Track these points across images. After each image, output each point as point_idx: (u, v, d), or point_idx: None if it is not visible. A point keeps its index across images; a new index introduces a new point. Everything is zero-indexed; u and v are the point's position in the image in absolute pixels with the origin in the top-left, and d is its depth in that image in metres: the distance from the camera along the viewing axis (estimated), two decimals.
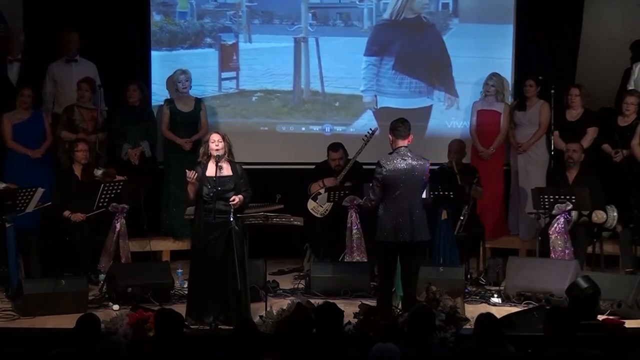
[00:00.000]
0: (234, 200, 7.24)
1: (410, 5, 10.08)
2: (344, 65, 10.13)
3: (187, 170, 7.29)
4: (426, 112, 10.18)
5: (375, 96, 10.16)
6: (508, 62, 10.08)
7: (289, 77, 10.12)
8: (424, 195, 8.74)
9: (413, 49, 10.12)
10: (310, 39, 10.09)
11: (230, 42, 10.10)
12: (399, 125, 7.23)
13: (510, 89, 10.21)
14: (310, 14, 10.09)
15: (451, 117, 10.27)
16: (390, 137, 7.26)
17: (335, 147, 9.37)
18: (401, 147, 7.18)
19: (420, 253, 7.32)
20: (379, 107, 10.17)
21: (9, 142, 9.25)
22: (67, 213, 8.71)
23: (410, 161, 7.11)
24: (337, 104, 10.14)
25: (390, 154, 7.22)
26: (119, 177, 8.95)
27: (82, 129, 9.41)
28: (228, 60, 10.13)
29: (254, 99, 9.92)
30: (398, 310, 7.15)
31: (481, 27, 10.15)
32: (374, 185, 7.15)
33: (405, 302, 7.21)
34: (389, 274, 7.27)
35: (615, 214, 8.82)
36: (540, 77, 9.70)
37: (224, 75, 10.15)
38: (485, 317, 5.84)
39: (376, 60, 10.12)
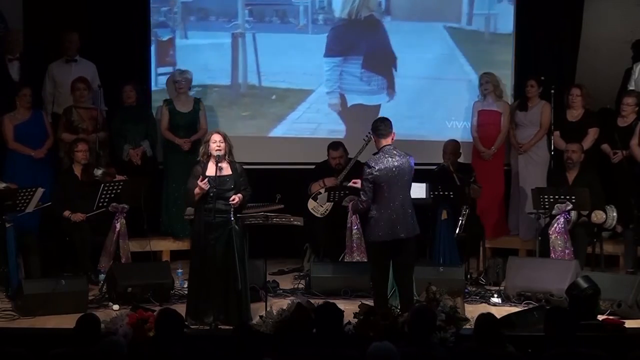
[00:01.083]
0: (233, 199, 7.24)
1: (366, 4, 10.10)
2: (281, 60, 10.13)
3: (200, 177, 7.25)
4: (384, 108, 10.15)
5: (343, 96, 10.17)
6: (447, 57, 10.13)
7: (226, 72, 10.14)
8: (423, 195, 8.81)
9: (377, 46, 10.12)
10: (247, 35, 10.10)
11: (165, 38, 10.11)
12: (380, 124, 7.26)
13: (510, 89, 10.21)
14: (246, 11, 10.12)
15: (451, 117, 10.27)
16: (373, 138, 7.30)
17: (335, 145, 9.37)
18: (385, 145, 7.21)
19: (413, 250, 7.34)
20: (349, 105, 10.16)
21: (11, 143, 9.24)
22: (67, 213, 8.71)
23: (397, 158, 7.16)
24: (273, 97, 10.15)
25: (376, 154, 7.25)
26: (119, 177, 8.95)
27: (82, 129, 9.41)
28: (164, 55, 10.13)
29: (191, 93, 9.91)
30: (398, 310, 7.15)
31: (411, 24, 10.15)
32: (364, 186, 7.17)
33: (402, 302, 7.22)
34: (383, 274, 7.28)
35: (615, 214, 8.82)
36: (542, 78, 9.70)
37: (160, 70, 10.15)
38: (485, 317, 5.84)
39: (340, 60, 10.13)
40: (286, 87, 10.17)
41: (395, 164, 7.14)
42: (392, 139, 7.28)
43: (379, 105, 10.15)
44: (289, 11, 10.13)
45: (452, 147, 9.30)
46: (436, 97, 10.14)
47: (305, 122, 10.18)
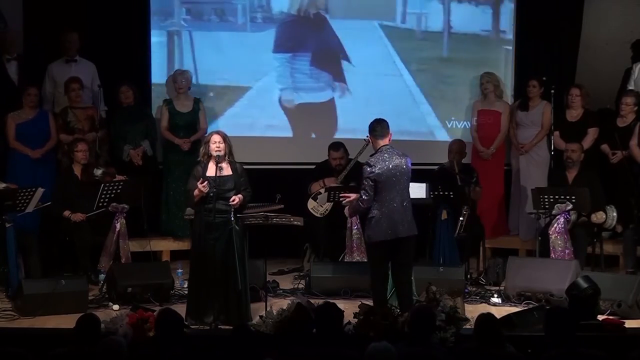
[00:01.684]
0: (233, 200, 7.25)
1: (314, 1, 10.12)
2: (218, 58, 10.10)
3: (201, 179, 7.26)
4: (335, 102, 10.17)
5: (290, 91, 10.16)
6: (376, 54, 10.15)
7: (162, 69, 10.10)
8: (423, 195, 8.81)
9: (324, 43, 10.13)
10: (184, 33, 10.10)
11: None
12: (376, 125, 7.28)
13: (510, 89, 10.22)
14: (183, 9, 10.11)
15: (451, 117, 10.27)
16: (371, 139, 7.32)
17: (336, 146, 9.36)
18: (383, 146, 7.24)
19: (412, 249, 7.35)
20: (296, 103, 10.16)
21: (12, 141, 9.25)
22: (67, 213, 8.71)
23: (395, 158, 7.18)
24: (211, 94, 10.12)
25: (374, 154, 7.26)
26: (118, 177, 8.95)
27: (78, 129, 9.40)
28: None
29: None
30: (398, 310, 7.15)
31: (349, 22, 10.15)
32: (365, 186, 7.17)
33: (402, 302, 7.23)
34: (382, 274, 7.29)
35: (615, 214, 8.82)
36: (544, 78, 9.70)
37: None
38: (485, 317, 5.84)
39: (290, 57, 10.13)
40: (224, 84, 10.14)
41: (394, 163, 7.16)
42: (389, 139, 7.29)
43: (327, 102, 10.15)
44: (227, 9, 10.13)
45: (457, 146, 9.31)
46: (381, 95, 10.14)
47: (244, 118, 10.11)
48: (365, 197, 7.19)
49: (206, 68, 10.07)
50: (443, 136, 10.11)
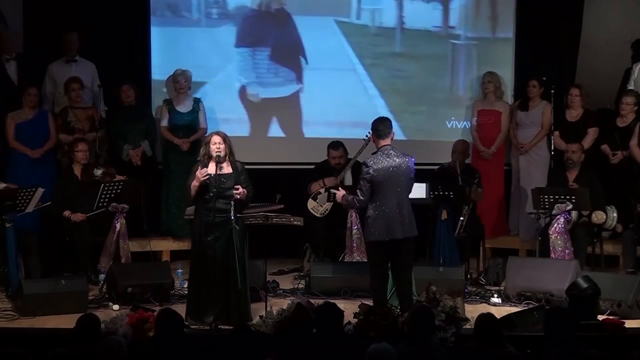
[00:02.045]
0: (238, 189, 7.21)
1: None
2: (173, 53, 10.10)
3: (199, 167, 7.27)
4: (295, 97, 10.20)
5: (255, 87, 10.18)
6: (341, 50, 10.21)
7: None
8: (423, 195, 8.81)
9: (285, 38, 10.16)
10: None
11: None
12: (379, 124, 7.28)
13: (511, 89, 10.22)
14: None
15: (451, 117, 10.28)
16: (373, 138, 7.32)
17: (335, 145, 9.36)
18: (384, 145, 7.23)
19: (411, 250, 7.34)
20: (261, 97, 10.18)
21: (12, 141, 9.25)
22: (67, 213, 8.71)
23: (395, 159, 7.18)
24: (164, 90, 10.08)
25: (374, 153, 7.26)
26: (118, 177, 8.94)
27: (78, 129, 9.40)
28: None
29: None
30: (398, 310, 7.15)
31: (305, 19, 10.21)
32: (362, 185, 7.19)
33: (402, 302, 7.23)
34: (381, 274, 7.29)
35: (615, 214, 8.82)
36: (544, 78, 9.70)
37: None
38: (485, 317, 5.84)
39: (251, 51, 10.15)
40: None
41: (393, 164, 7.15)
42: (392, 139, 7.29)
43: (287, 97, 10.19)
44: (181, 5, 10.15)
45: (461, 147, 9.31)
46: (336, 89, 10.19)
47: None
48: (362, 198, 7.21)
49: (160, 63, 10.06)
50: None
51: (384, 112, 10.01)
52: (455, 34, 10.19)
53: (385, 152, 7.20)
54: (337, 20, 10.17)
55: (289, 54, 10.16)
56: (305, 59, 10.14)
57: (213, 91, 10.11)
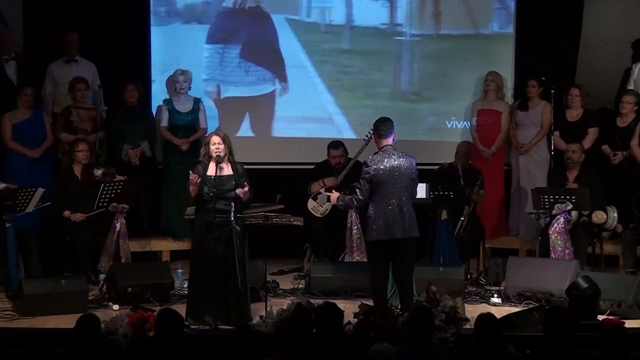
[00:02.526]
0: (244, 187, 7.22)
1: None
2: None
3: (190, 172, 7.30)
4: (270, 97, 10.26)
5: (218, 85, 10.20)
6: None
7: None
8: (423, 195, 8.81)
9: (257, 37, 10.21)
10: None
11: None
12: (380, 124, 7.28)
13: (511, 89, 10.22)
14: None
15: (451, 117, 10.28)
16: (374, 137, 7.32)
17: (336, 145, 9.37)
18: (386, 145, 7.23)
19: (412, 250, 7.33)
20: (222, 97, 10.22)
21: (9, 142, 9.24)
22: (67, 213, 8.71)
23: (396, 159, 7.17)
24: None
25: (376, 153, 7.26)
26: (118, 177, 8.94)
27: (81, 129, 9.41)
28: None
29: None
30: (398, 310, 7.15)
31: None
32: (362, 185, 7.19)
33: (403, 301, 7.23)
34: (381, 274, 7.29)
35: (616, 214, 8.82)
36: (543, 78, 9.70)
37: None
38: (485, 317, 5.84)
39: (220, 48, 10.18)
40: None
41: (394, 164, 7.15)
42: (394, 139, 7.29)
43: (262, 96, 10.24)
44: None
45: (465, 149, 9.32)
46: (289, 86, 10.28)
47: None
48: (360, 197, 7.22)
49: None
50: (341, 120, 10.26)
51: (332, 108, 10.21)
52: (401, 31, 10.29)
53: (387, 152, 7.20)
54: (288, 18, 10.25)
55: (264, 52, 10.24)
56: (281, 58, 10.21)
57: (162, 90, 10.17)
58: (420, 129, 10.17)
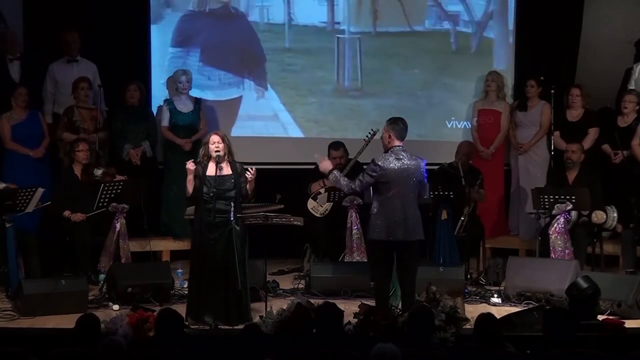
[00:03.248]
0: (252, 169, 7.26)
1: None
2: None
3: (188, 162, 7.29)
4: (237, 103, 10.27)
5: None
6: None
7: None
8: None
9: (220, 39, 10.21)
10: None
11: None
12: (400, 124, 7.26)
13: (510, 89, 10.22)
14: None
15: (450, 117, 10.29)
16: (388, 135, 7.27)
17: (336, 145, 9.36)
18: (396, 146, 7.22)
19: (415, 252, 7.30)
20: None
21: (9, 142, 9.24)
22: (67, 213, 8.71)
23: (404, 161, 7.16)
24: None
25: (386, 152, 7.24)
26: (118, 177, 8.95)
27: (83, 129, 9.41)
28: None
29: None
30: (398, 310, 7.15)
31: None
32: (364, 178, 7.18)
33: (404, 302, 7.23)
34: (383, 274, 7.28)
35: (615, 214, 8.81)
36: (542, 78, 9.70)
37: None
38: (485, 317, 5.84)
39: (182, 51, 10.18)
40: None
41: (402, 166, 7.13)
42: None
43: (227, 101, 10.24)
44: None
45: (466, 149, 9.33)
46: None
47: None
48: (357, 188, 7.23)
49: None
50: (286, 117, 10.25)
51: (277, 105, 10.25)
52: (340, 29, 10.33)
53: (396, 153, 7.18)
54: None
55: (228, 55, 10.26)
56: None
57: None
58: (363, 124, 10.06)
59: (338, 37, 10.28)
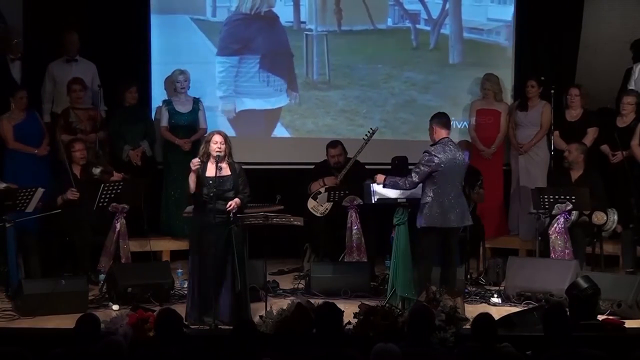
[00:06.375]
0: (230, 205, 7.23)
1: None
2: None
3: (193, 160, 7.29)
4: (277, 112, 10.36)
5: (234, 101, 10.26)
6: None
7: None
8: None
9: (274, 44, 10.30)
10: None
11: None
12: (443, 116, 7.62)
13: (510, 89, 10.22)
14: None
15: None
16: (435, 128, 7.58)
17: (333, 144, 9.37)
18: (444, 138, 7.54)
19: (457, 237, 7.73)
20: (237, 111, 10.26)
21: (12, 142, 9.23)
22: (60, 199, 8.66)
23: (454, 151, 7.52)
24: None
25: (435, 144, 7.51)
26: (116, 175, 8.96)
27: (80, 130, 9.41)
28: None
29: None
30: (398, 310, 7.15)
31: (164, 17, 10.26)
32: (421, 171, 7.42)
33: (451, 283, 7.51)
34: (428, 266, 7.53)
35: (616, 217, 8.78)
36: (542, 78, 9.71)
37: None
38: (482, 318, 5.85)
39: (236, 60, 10.22)
40: None
41: (452, 156, 7.46)
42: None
43: (278, 109, 10.34)
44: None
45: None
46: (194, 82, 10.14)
47: None
48: (416, 180, 7.43)
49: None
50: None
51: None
52: (307, 28, 10.39)
53: (446, 144, 7.51)
54: (193, 18, 10.27)
55: (282, 61, 10.30)
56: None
57: None
58: (332, 112, 10.36)
59: (307, 35, 10.37)
